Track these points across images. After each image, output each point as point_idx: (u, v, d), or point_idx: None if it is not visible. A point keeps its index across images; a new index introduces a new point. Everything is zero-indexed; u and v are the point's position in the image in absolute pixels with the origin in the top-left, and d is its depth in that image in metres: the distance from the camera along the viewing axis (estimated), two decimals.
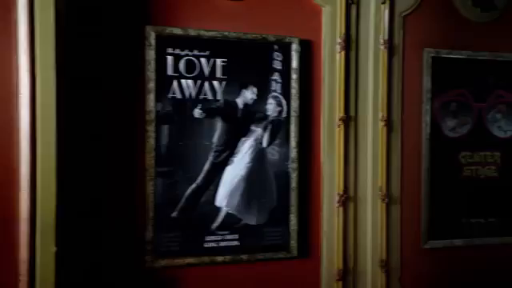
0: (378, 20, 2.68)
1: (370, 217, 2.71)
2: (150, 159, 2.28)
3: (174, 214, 2.33)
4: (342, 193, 2.62)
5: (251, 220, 2.45)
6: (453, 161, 2.85)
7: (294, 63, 2.49)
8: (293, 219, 2.51)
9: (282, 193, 2.50)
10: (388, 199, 2.71)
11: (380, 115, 2.69)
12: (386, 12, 2.68)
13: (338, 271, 2.63)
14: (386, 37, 2.69)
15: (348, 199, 2.65)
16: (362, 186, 2.69)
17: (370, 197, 2.70)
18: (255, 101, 2.46)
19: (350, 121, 2.65)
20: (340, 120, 2.61)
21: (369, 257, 2.70)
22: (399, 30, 2.73)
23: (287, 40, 2.48)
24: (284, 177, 2.49)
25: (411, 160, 2.78)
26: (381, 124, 2.69)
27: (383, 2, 2.66)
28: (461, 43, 2.85)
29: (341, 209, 2.63)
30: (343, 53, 2.60)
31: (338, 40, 2.60)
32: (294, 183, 2.50)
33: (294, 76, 2.49)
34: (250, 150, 2.45)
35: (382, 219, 2.71)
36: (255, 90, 2.45)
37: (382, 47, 2.68)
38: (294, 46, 2.49)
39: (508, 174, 2.94)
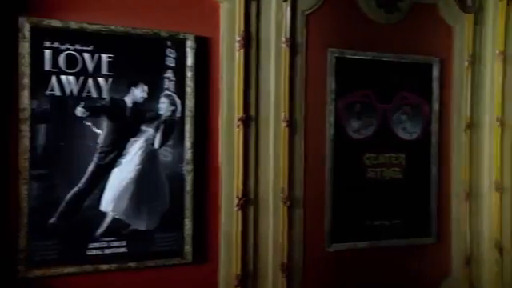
0: (280, 18, 2.57)
1: (271, 220, 2.60)
2: (23, 161, 2.09)
3: (53, 220, 2.14)
4: (241, 196, 2.49)
5: (141, 225, 2.29)
6: (357, 162, 2.78)
7: (189, 60, 2.34)
8: (187, 223, 2.36)
9: (176, 196, 2.35)
10: (290, 202, 2.61)
11: (282, 115, 2.58)
12: (288, 10, 2.57)
13: (236, 276, 2.51)
14: (288, 35, 2.58)
15: (248, 202, 2.53)
16: (263, 188, 2.58)
17: (271, 199, 2.59)
18: (146, 99, 2.30)
19: (250, 121, 2.53)
20: (239, 120, 2.49)
21: (270, 261, 2.60)
22: (302, 29, 2.63)
23: (181, 36, 2.34)
24: (178, 179, 2.34)
25: (315, 161, 2.70)
26: (283, 124, 2.59)
27: (285, 0, 2.53)
28: (365, 44, 2.79)
29: (240, 212, 2.51)
30: (242, 51, 2.48)
31: (237, 37, 2.48)
32: (188, 186, 2.36)
33: (189, 74, 2.34)
34: (140, 151, 2.28)
35: (284, 222, 2.61)
36: (146, 88, 2.29)
37: (283, 46, 2.58)
38: (189, 43, 2.34)
39: (413, 175, 2.90)
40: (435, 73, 2.93)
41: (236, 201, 2.50)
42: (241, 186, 2.51)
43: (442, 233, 2.99)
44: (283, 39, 2.59)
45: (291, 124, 2.62)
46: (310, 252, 2.70)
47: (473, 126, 3.04)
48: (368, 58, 2.79)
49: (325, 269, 2.74)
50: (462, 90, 3.01)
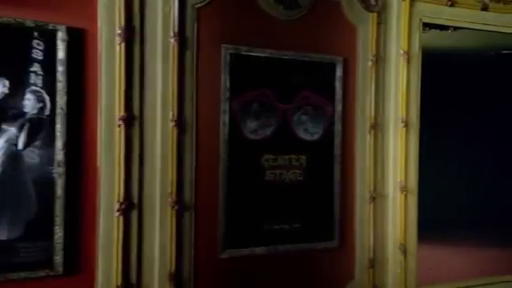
0: (167, 11, 2.36)
1: (157, 226, 2.40)
2: None
3: None
4: (122, 200, 2.24)
5: (1, 234, 2.00)
6: (254, 164, 2.61)
7: (61, 54, 2.11)
8: (58, 232, 2.13)
9: (45, 202, 2.10)
10: (179, 206, 2.39)
11: (170, 115, 2.35)
12: (176, 3, 2.34)
13: (116, 287, 2.24)
14: (177, 30, 2.36)
15: (131, 206, 2.31)
16: (149, 191, 2.38)
17: (158, 203, 2.39)
18: (7, 95, 2.03)
19: (133, 120, 2.29)
20: (120, 119, 2.24)
21: (156, 270, 2.37)
22: (192, 24, 2.43)
23: (51, 27, 2.08)
24: (47, 183, 2.11)
25: (207, 163, 2.50)
26: (171, 124, 2.36)
27: None
28: (263, 41, 2.61)
29: (121, 217, 2.27)
30: (123, 45, 2.27)
31: (118, 30, 2.23)
32: (60, 190, 2.12)
33: (61, 68, 2.11)
34: (0, 152, 1.99)
35: (172, 228, 2.38)
36: (7, 82, 2.02)
37: (172, 41, 2.36)
38: (60, 35, 2.11)
39: (314, 177, 2.75)
40: (338, 72, 2.79)
41: (117, 205, 2.24)
42: (122, 190, 2.29)
43: (346, 236, 2.85)
44: (171, 34, 2.39)
45: (180, 124, 2.41)
46: (202, 260, 2.50)
47: (377, 126, 2.91)
48: (266, 55, 2.62)
49: (218, 277, 2.55)
50: (365, 90, 2.88)
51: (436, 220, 6.17)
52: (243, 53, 2.57)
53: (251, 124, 2.60)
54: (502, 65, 6.25)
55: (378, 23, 2.91)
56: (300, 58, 2.71)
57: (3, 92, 2.06)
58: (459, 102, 6.35)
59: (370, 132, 2.90)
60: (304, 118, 2.73)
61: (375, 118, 2.91)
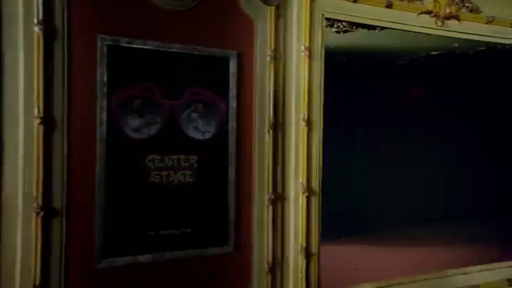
0: None
1: (19, 233, 2.07)
2: None
3: None
4: None
5: None
6: (137, 165, 2.29)
7: None
8: None
9: None
10: (46, 212, 2.07)
11: (35, 111, 2.00)
12: None
13: None
14: (42, 17, 2.01)
15: None
16: (10, 195, 2.04)
17: (20, 209, 2.07)
18: None
19: None
20: None
21: (16, 285, 1.99)
22: (61, 10, 2.10)
23: None
24: None
25: (82, 165, 2.21)
26: (36, 121, 2.02)
27: None
28: (148, 32, 2.34)
29: None
30: None
31: None
32: None
33: None
34: None
35: (37, 236, 2.03)
36: None
37: (36, 28, 2.02)
38: None
39: (207, 179, 2.47)
40: (232, 68, 2.51)
41: None
42: None
43: (242, 240, 2.59)
44: (35, 21, 2.03)
45: (47, 121, 2.07)
46: (75, 271, 2.16)
47: (277, 125, 2.66)
48: (150, 47, 2.31)
49: None
50: (264, 87, 2.62)
51: (366, 220, 6.03)
52: (123, 44, 2.25)
53: (133, 122, 2.29)
54: (431, 66, 6.18)
55: (277, 17, 2.65)
56: (189, 52, 2.42)
57: None
58: (384, 102, 6.22)
59: (269, 131, 2.64)
60: (194, 115, 2.44)
61: (275, 117, 2.64)
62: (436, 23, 3.17)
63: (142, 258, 2.34)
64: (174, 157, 2.42)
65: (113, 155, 2.27)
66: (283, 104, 2.72)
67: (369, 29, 3.40)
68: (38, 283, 2.11)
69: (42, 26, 2.11)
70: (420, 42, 4.61)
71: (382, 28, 3.23)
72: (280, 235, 2.73)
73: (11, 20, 2.06)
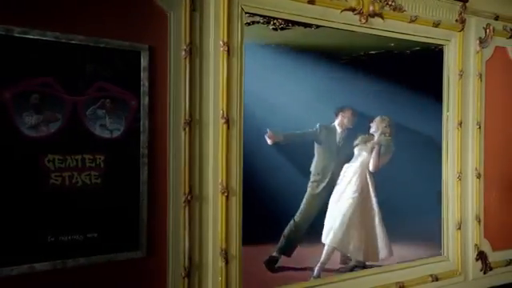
0: None
1: None
2: None
3: None
4: None
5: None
6: (34, 166, 2.08)
7: None
8: None
9: None
10: None
11: None
12: None
13: None
14: None
15: None
16: None
17: None
18: None
19: None
20: None
21: None
22: None
23: None
24: None
25: None
26: None
27: None
28: (46, 22, 2.08)
29: None
30: None
31: None
32: None
33: None
34: None
35: None
36: None
37: None
38: None
39: (115, 180, 2.31)
40: (144, 62, 2.37)
41: None
42: None
43: (155, 244, 2.45)
44: None
45: None
46: None
47: (193, 123, 2.54)
48: (48, 38, 2.10)
49: None
50: (179, 83, 2.49)
51: None
52: (16, 35, 2.04)
53: (30, 119, 2.10)
54: (370, 65, 6.18)
55: (193, 10, 2.52)
56: (94, 44, 2.23)
57: None
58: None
59: (184, 129, 2.51)
60: (100, 112, 2.28)
61: (191, 114, 2.51)
62: (360, 20, 3.13)
63: (40, 266, 2.15)
64: (78, 156, 2.26)
65: (4, 155, 2.06)
66: (200, 101, 2.59)
67: (305, 26, 3.34)
68: None
69: None
70: (357, 41, 4.60)
71: (318, 26, 3.16)
72: (198, 238, 2.58)
73: None
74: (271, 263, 3.35)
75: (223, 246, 2.67)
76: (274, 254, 3.19)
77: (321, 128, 3.17)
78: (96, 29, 2.31)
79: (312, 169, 3.19)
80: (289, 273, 3.18)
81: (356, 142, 3.34)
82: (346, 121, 3.25)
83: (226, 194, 2.68)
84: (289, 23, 3.04)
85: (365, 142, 3.34)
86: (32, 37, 2.15)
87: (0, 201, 2.09)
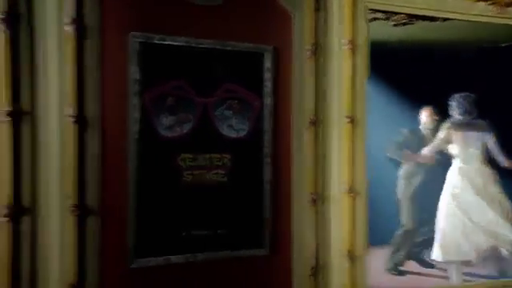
0: None
1: (56, 232, 2.08)
2: None
3: None
4: (11, 204, 1.95)
5: None
6: (170, 164, 2.27)
7: None
8: None
9: None
10: (81, 210, 2.08)
11: (68, 110, 2.02)
12: None
13: None
14: (75, 15, 2.02)
15: (21, 212, 1.98)
16: (44, 195, 2.09)
17: (55, 208, 2.11)
18: None
19: (22, 116, 2.01)
20: (7, 115, 1.93)
21: (54, 282, 2.04)
22: (93, 8, 2.11)
23: None
24: None
25: (115, 164, 2.22)
26: (70, 120, 2.04)
27: None
28: (179, 28, 2.32)
29: (10, 224, 1.94)
30: (7, 32, 1.97)
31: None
32: None
33: None
34: None
35: (73, 235, 2.06)
36: None
37: (68, 28, 2.03)
38: None
39: (241, 179, 2.41)
40: (267, 63, 2.42)
41: (3, 210, 1.92)
42: (10, 193, 1.94)
43: (278, 242, 2.51)
44: (67, 20, 2.03)
45: (80, 120, 2.08)
46: (109, 270, 2.18)
47: (318, 123, 2.53)
48: (182, 44, 2.28)
49: None
50: (303, 83, 2.52)
51: None
52: (155, 41, 2.23)
53: (166, 120, 2.26)
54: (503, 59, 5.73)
55: (316, 9, 2.52)
56: (221, 47, 2.35)
57: None
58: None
59: (309, 129, 2.53)
60: (228, 113, 2.38)
61: (315, 114, 2.51)
62: (495, 10, 2.90)
63: (175, 259, 2.30)
64: (207, 156, 2.36)
65: (145, 154, 2.24)
66: (324, 100, 2.58)
67: (431, 20, 3.18)
68: (73, 281, 2.08)
69: (74, 26, 2.08)
70: (485, 33, 4.28)
71: (445, 19, 3.00)
72: (322, 237, 2.57)
73: (42, 21, 2.05)
74: (396, 266, 3.24)
75: (348, 247, 2.61)
76: (400, 256, 3.08)
77: None
78: (223, 32, 2.41)
79: None
80: (416, 277, 3.04)
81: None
82: None
83: (351, 194, 2.62)
84: (412, 18, 2.90)
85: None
86: (168, 43, 2.29)
87: (141, 196, 2.21)
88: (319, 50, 2.58)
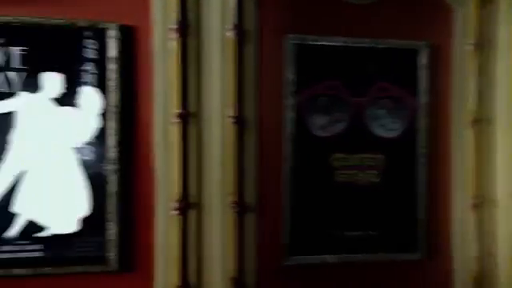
0: (225, 1, 2.14)
1: (217, 226, 2.21)
2: None
3: None
4: (179, 199, 2.10)
5: (59, 228, 1.99)
6: (323, 164, 2.29)
7: (112, 52, 2.05)
8: (111, 228, 2.04)
9: (98, 198, 2.01)
10: (240, 207, 2.19)
11: (229, 111, 2.16)
12: None
13: (175, 287, 2.11)
14: (236, 21, 2.15)
15: (189, 206, 2.14)
16: (208, 191, 2.21)
17: (217, 204, 2.23)
18: (64, 94, 2.00)
19: (189, 117, 2.14)
20: (177, 116, 2.10)
21: (216, 272, 2.20)
22: (252, 14, 2.22)
23: (101, 26, 2.03)
24: (100, 180, 2.02)
25: (271, 163, 2.28)
26: (230, 121, 2.17)
27: None
28: (334, 28, 2.33)
29: (180, 217, 2.12)
30: (179, 40, 2.11)
31: (172, 26, 2.10)
32: (113, 187, 2.03)
33: (112, 66, 2.04)
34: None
35: (233, 230, 2.19)
36: (63, 81, 1.99)
37: (230, 34, 2.17)
38: (112, 33, 2.05)
39: (394, 179, 2.35)
40: (422, 60, 2.34)
41: (174, 204, 2.10)
42: (179, 189, 2.12)
43: (436, 246, 2.39)
44: (229, 26, 2.17)
45: (240, 121, 2.21)
46: (265, 265, 2.26)
47: (481, 121, 2.40)
48: (337, 44, 2.30)
49: (283, 285, 2.28)
50: (464, 80, 2.39)
51: None
52: (310, 42, 2.27)
53: (319, 120, 2.29)
54: None
55: (482, 3, 2.37)
56: (374, 45, 2.31)
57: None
58: None
59: (470, 128, 2.40)
60: (381, 112, 2.34)
61: (478, 112, 2.37)
62: None
63: (328, 258, 2.32)
64: (359, 156, 2.34)
65: (299, 154, 2.28)
66: (487, 98, 2.41)
67: None
68: (234, 273, 2.19)
69: (235, 31, 2.18)
70: None
71: None
72: (488, 244, 2.41)
73: (208, 28, 2.18)
74: None
75: None
76: None
77: None
78: (377, 30, 2.35)
79: None
80: None
81: None
82: None
83: None
84: None
85: None
86: (322, 43, 2.29)
87: (295, 195, 2.25)
88: (483, 46, 2.40)
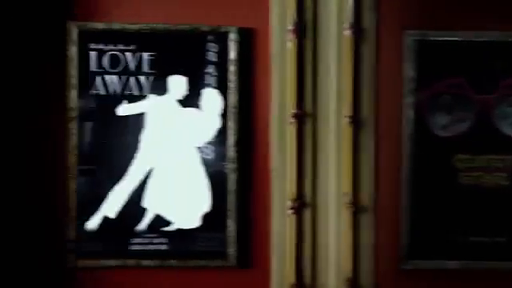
0: (342, 1, 2.16)
1: (333, 227, 2.24)
2: (72, 157, 2.10)
3: (98, 214, 2.10)
4: (295, 199, 2.15)
5: (183, 223, 2.13)
6: (445, 165, 2.21)
7: (232, 54, 2.13)
8: (231, 225, 2.13)
9: (218, 195, 2.12)
10: (355, 207, 2.18)
11: (345, 110, 2.17)
12: None
13: (290, 286, 2.17)
14: (353, 20, 2.15)
15: (303, 206, 2.18)
16: (322, 191, 2.23)
17: (332, 203, 2.24)
18: (187, 96, 2.13)
19: (305, 117, 2.17)
20: (293, 117, 2.15)
21: (331, 272, 2.21)
22: (369, 11, 2.20)
23: (223, 29, 2.12)
24: (220, 178, 2.12)
25: (389, 163, 2.25)
26: (346, 120, 2.17)
27: None
28: (457, 22, 2.22)
29: (294, 216, 2.17)
30: (296, 41, 2.16)
31: (289, 27, 2.15)
32: (232, 185, 2.13)
33: (232, 68, 2.12)
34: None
35: (348, 230, 2.20)
36: (187, 84, 2.13)
37: (347, 33, 2.17)
38: (232, 36, 2.13)
39: None
40: None
41: (289, 204, 2.15)
42: (295, 188, 2.16)
43: None
44: (346, 25, 2.16)
45: (357, 120, 2.20)
46: (382, 267, 2.23)
47: None
48: (460, 38, 2.19)
49: None
50: None
51: None
52: (431, 38, 2.18)
53: (441, 119, 2.19)
54: None
55: None
56: (504, 39, 2.17)
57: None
58: None
59: None
60: (510, 110, 2.18)
61: None
62: None
63: (450, 264, 2.21)
64: (485, 157, 2.20)
65: (419, 154, 2.19)
66: None
67: None
68: (350, 274, 2.17)
69: (352, 29, 2.16)
70: None
71: None
72: None
73: (325, 28, 2.18)
74: None
75: None
76: None
77: None
78: (507, 22, 2.18)
79: None
80: None
81: None
82: None
83: None
84: None
85: None
86: (444, 39, 2.18)
87: (415, 196, 2.18)
88: None
